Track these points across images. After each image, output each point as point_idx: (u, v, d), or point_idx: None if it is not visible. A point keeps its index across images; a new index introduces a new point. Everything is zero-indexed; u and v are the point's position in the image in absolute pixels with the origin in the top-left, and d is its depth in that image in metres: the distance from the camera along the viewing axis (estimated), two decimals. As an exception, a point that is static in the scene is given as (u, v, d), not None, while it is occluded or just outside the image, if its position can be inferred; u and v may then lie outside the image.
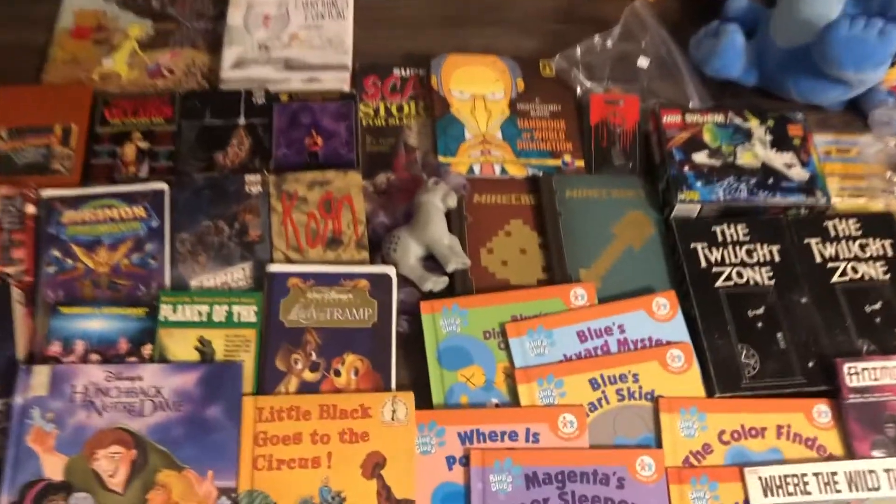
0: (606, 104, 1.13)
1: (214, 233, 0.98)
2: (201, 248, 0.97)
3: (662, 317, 0.95)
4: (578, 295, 0.96)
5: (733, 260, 1.00)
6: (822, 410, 0.91)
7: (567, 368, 0.92)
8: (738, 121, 1.08)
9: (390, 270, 0.96)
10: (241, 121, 1.07)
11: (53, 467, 0.83)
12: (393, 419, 0.87)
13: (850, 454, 0.89)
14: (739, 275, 0.99)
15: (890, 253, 1.01)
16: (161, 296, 0.93)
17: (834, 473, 0.86)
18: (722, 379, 0.92)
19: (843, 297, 0.98)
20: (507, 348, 0.93)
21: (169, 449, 0.84)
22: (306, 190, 1.01)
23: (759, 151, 1.06)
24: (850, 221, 1.03)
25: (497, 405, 0.91)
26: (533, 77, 1.16)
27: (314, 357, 0.91)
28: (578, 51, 1.17)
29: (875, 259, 1.01)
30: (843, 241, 1.02)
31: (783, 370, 0.93)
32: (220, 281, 0.96)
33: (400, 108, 1.13)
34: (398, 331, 0.94)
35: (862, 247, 1.01)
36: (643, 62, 1.16)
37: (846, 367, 0.91)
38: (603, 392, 0.91)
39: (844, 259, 1.01)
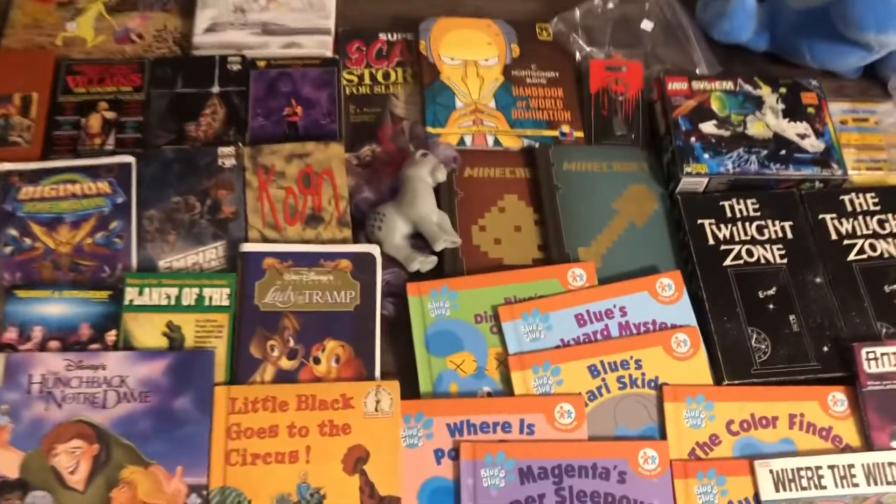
0: (607, 70, 1.12)
1: (185, 210, 0.97)
2: (170, 226, 0.96)
3: (667, 298, 0.94)
4: (577, 275, 0.95)
5: (743, 237, 0.99)
6: (837, 398, 0.90)
7: (564, 354, 0.91)
8: (748, 88, 1.08)
9: (374, 250, 0.95)
10: (215, 89, 1.07)
11: (8, 464, 0.82)
12: (377, 410, 0.86)
13: (868, 445, 0.88)
14: (749, 253, 0.98)
15: (910, 229, 1.02)
16: (126, 278, 0.92)
17: (851, 466, 0.86)
18: (730, 365, 0.92)
19: (860, 277, 0.98)
20: (500, 333, 0.93)
21: (134, 443, 0.83)
22: (284, 163, 1.00)
23: (770, 121, 1.05)
24: (868, 196, 1.03)
25: (489, 394, 0.90)
26: (529, 41, 1.15)
27: (292, 343, 0.90)
28: (577, 13, 1.16)
29: (894, 236, 1.00)
30: (861, 217, 1.01)
31: (796, 355, 0.93)
32: (191, 261, 0.96)
33: (386, 76, 1.12)
34: (383, 314, 0.93)
35: (880, 223, 1.01)
36: (647, 25, 1.16)
37: (864, 351, 0.91)
38: (603, 380, 0.90)
39: (861, 236, 1.00)
